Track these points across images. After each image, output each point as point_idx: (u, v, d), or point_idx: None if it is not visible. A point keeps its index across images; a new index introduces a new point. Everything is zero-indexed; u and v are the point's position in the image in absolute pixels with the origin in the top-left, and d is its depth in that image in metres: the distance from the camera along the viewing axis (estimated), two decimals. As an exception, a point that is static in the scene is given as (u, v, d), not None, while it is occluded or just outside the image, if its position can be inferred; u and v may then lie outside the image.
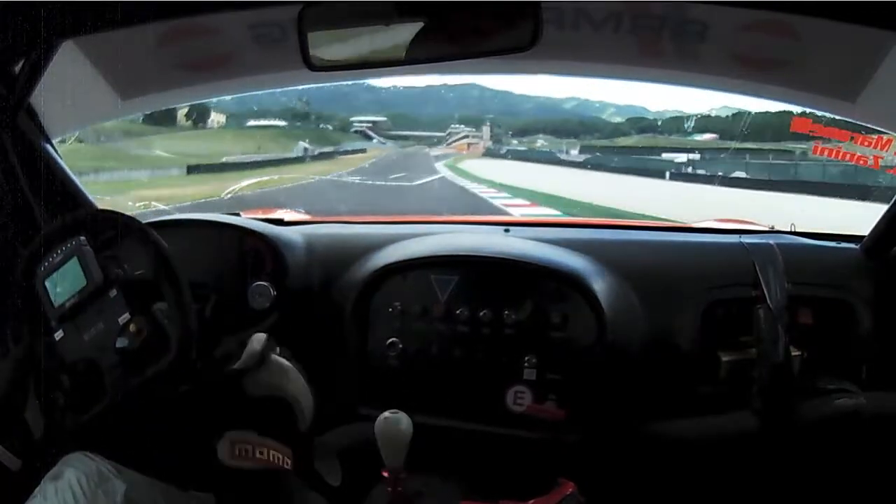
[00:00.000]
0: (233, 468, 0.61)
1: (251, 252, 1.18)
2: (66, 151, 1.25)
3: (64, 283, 0.89)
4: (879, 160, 1.18)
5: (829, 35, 1.02)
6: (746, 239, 1.15)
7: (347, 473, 1.08)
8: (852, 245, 1.17)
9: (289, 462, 0.65)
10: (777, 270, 1.06)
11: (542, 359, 1.06)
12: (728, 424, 1.07)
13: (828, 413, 1.01)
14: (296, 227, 1.33)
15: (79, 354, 0.89)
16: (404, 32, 0.82)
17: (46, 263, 0.90)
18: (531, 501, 0.97)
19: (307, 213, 1.55)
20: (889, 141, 1.14)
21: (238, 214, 1.33)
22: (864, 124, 1.15)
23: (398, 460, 0.91)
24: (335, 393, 1.14)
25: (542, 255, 1.12)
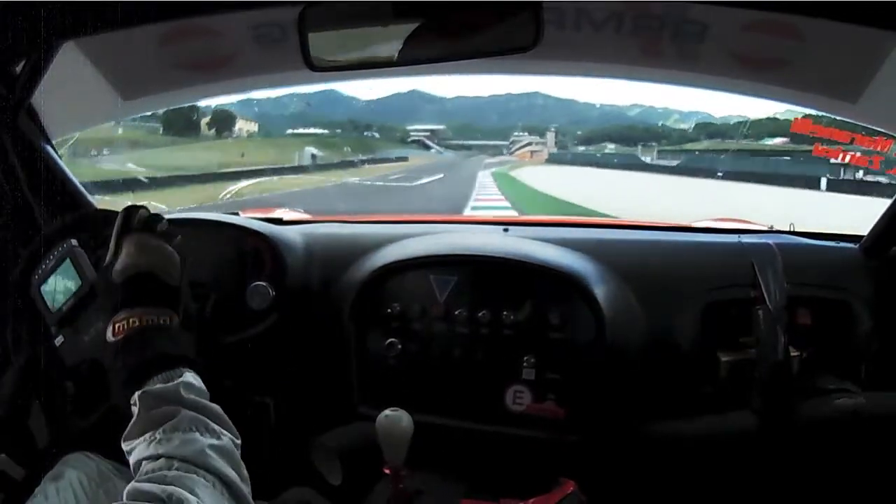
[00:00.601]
0: (113, 344, 0.66)
1: (250, 251, 1.18)
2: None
3: (59, 288, 0.89)
4: (879, 160, 1.18)
5: (830, 35, 1.02)
6: (745, 239, 1.15)
7: (348, 473, 1.08)
8: (851, 245, 1.17)
9: (166, 319, 0.68)
10: (776, 270, 1.06)
11: (541, 358, 1.06)
12: (728, 424, 1.06)
13: (827, 413, 1.01)
14: (295, 226, 1.33)
15: (80, 356, 0.89)
16: (405, 33, 0.82)
17: (40, 271, 0.90)
18: (531, 500, 0.97)
19: (306, 212, 1.55)
20: (889, 141, 1.14)
21: (237, 214, 1.33)
22: (864, 125, 1.15)
23: (399, 458, 0.91)
24: (335, 393, 1.14)
25: (542, 255, 1.12)
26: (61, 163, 1.19)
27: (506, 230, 1.29)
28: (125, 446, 0.62)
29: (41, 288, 0.88)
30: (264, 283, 1.14)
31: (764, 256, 1.08)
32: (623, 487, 1.08)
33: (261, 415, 1.21)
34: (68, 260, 0.88)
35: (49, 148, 1.16)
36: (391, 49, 0.83)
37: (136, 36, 1.05)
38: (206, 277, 1.13)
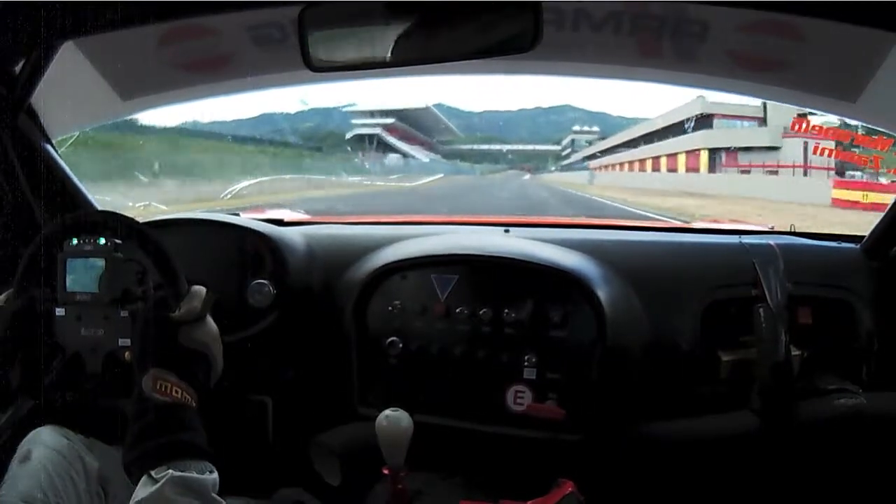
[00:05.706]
0: (151, 399, 0.68)
1: (251, 252, 1.18)
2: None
3: (82, 276, 0.89)
4: (879, 160, 1.18)
5: (830, 35, 1.02)
6: (746, 239, 1.15)
7: (347, 473, 1.08)
8: (852, 245, 1.17)
9: (195, 404, 0.71)
10: (777, 270, 1.06)
11: (542, 358, 1.05)
12: (728, 424, 1.06)
13: (828, 413, 1.01)
14: (295, 227, 1.33)
15: (71, 342, 0.89)
16: (405, 33, 0.82)
17: (76, 242, 0.89)
18: (531, 501, 0.97)
19: (307, 213, 1.56)
20: (889, 140, 1.14)
21: (238, 214, 1.33)
22: (864, 124, 1.16)
23: (399, 459, 0.91)
24: (334, 392, 1.14)
25: (542, 255, 1.11)
26: (61, 163, 1.20)
27: (507, 230, 1.29)
28: None
29: (66, 259, 0.88)
30: (265, 282, 1.14)
31: (765, 256, 1.08)
32: (622, 488, 1.08)
33: (260, 414, 1.21)
34: (104, 261, 0.88)
35: (49, 148, 1.17)
36: (391, 49, 0.83)
37: (136, 36, 1.05)
38: (208, 277, 1.13)
